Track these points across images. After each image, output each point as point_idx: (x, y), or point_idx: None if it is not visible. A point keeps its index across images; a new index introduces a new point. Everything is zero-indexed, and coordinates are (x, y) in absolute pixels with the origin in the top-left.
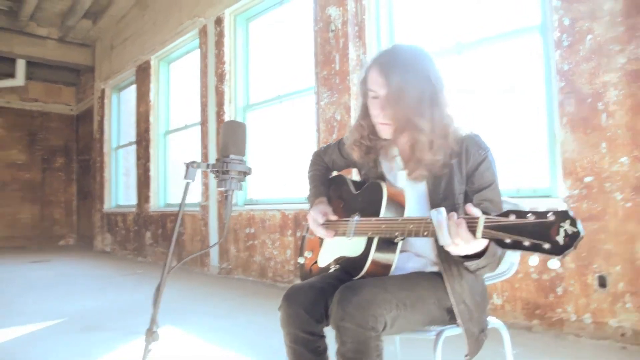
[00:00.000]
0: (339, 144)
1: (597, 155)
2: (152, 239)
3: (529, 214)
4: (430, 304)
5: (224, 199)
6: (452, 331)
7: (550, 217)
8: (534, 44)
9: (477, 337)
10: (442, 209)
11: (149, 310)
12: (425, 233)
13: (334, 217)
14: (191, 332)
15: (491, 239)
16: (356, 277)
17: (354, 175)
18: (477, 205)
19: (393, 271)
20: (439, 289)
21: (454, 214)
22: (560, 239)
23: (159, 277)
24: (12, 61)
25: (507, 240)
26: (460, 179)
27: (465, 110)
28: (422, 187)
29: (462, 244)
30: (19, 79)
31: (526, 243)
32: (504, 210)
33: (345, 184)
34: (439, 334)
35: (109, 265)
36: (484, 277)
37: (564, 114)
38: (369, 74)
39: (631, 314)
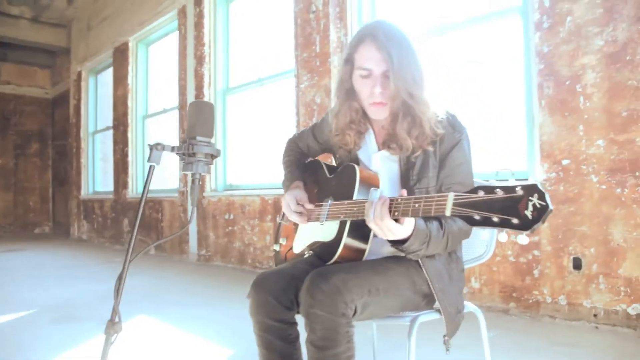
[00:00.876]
0: (314, 128)
1: (574, 138)
2: (129, 227)
3: (498, 189)
4: (404, 289)
5: (192, 184)
6: (427, 316)
7: (519, 192)
8: (514, 26)
9: (454, 317)
10: (379, 190)
11: (125, 299)
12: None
13: (309, 206)
14: (167, 322)
15: (460, 217)
16: (329, 262)
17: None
18: (447, 190)
19: (367, 256)
20: (413, 273)
21: (384, 196)
22: (528, 213)
23: (136, 265)
24: None
25: (477, 217)
26: (434, 162)
27: (443, 92)
28: (395, 170)
29: (382, 225)
30: None
31: (495, 219)
32: None
33: (320, 168)
34: (413, 320)
35: (85, 254)
36: (462, 260)
37: (543, 97)
38: (360, 50)
39: (604, 295)
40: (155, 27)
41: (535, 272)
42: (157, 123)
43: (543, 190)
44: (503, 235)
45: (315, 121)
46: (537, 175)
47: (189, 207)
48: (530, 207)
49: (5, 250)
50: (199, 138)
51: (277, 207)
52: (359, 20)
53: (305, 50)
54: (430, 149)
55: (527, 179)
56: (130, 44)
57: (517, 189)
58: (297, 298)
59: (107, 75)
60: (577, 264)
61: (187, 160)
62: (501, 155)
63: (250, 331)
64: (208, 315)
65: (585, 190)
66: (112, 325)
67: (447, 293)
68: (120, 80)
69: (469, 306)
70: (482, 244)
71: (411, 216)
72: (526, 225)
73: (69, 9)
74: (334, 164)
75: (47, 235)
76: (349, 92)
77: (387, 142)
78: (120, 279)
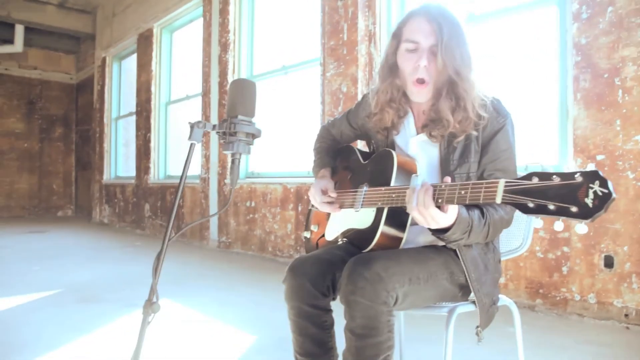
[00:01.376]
0: (348, 114)
1: (610, 133)
2: (150, 211)
3: (554, 176)
4: (442, 279)
5: (232, 163)
6: (464, 307)
7: (578, 179)
8: (549, 16)
9: (489, 309)
10: (420, 176)
11: (147, 283)
12: (402, 202)
13: (334, 194)
14: (189, 306)
15: (512, 204)
16: (365, 250)
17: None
18: (488, 177)
19: (403, 244)
20: (451, 264)
21: (427, 183)
22: (589, 201)
23: (157, 249)
24: (10, 26)
25: (530, 205)
26: (476, 147)
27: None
28: (434, 155)
29: (425, 213)
30: (17, 46)
31: (551, 207)
32: None
33: (353, 154)
34: (451, 311)
35: (107, 237)
36: (499, 251)
37: (578, 90)
38: (410, 23)
39: (636, 295)
40: (179, 14)
41: (564, 268)
42: (180, 109)
43: (605, 177)
44: (559, 223)
45: (341, 110)
46: (570, 169)
47: (211, 195)
48: (591, 195)
49: (29, 232)
50: (240, 117)
51: (299, 195)
52: (388, 9)
53: (332, 38)
54: (474, 132)
55: None
56: (154, 31)
57: (575, 175)
58: (333, 284)
59: (131, 62)
60: (609, 262)
61: (227, 140)
62: (531, 149)
63: (273, 318)
64: (231, 301)
65: (620, 186)
66: (150, 304)
67: (482, 283)
68: (143, 67)
69: (504, 299)
70: (517, 237)
71: (456, 203)
72: (586, 213)
73: None
74: (367, 150)
75: (69, 219)
76: (392, 69)
77: (428, 128)
78: (158, 259)
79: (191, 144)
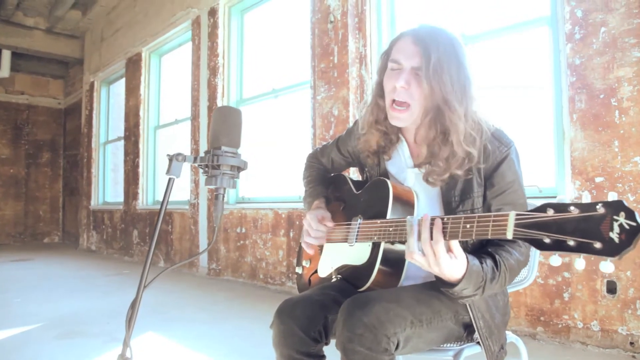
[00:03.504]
0: (338, 141)
1: (609, 154)
2: (139, 238)
3: (572, 207)
4: (447, 320)
5: (215, 198)
6: (471, 350)
7: (600, 210)
8: (541, 37)
9: (497, 354)
10: (420, 215)
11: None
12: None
13: (331, 224)
14: (175, 339)
15: (525, 239)
16: (361, 289)
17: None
18: (496, 212)
19: (402, 281)
20: (457, 302)
21: (427, 218)
22: (614, 235)
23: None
24: None
25: (547, 241)
26: (479, 180)
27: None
28: (434, 190)
29: (432, 257)
30: (4, 71)
31: (571, 242)
32: None
33: (346, 184)
34: (457, 355)
35: (94, 265)
36: (507, 289)
37: (574, 111)
38: (398, 42)
39: None
40: (168, 38)
41: (566, 295)
42: (169, 134)
43: (632, 209)
44: (580, 261)
45: (332, 133)
46: (568, 192)
47: (201, 221)
48: (617, 229)
49: (14, 260)
50: (224, 148)
51: (290, 221)
52: (379, 31)
53: (322, 60)
54: (458, 172)
55: (555, 197)
56: (143, 55)
57: (597, 206)
58: (325, 329)
59: (120, 86)
60: (612, 288)
61: (210, 173)
62: (527, 171)
63: (262, 352)
64: (218, 333)
65: None
66: None
67: (491, 330)
68: (132, 91)
69: (510, 336)
70: (523, 269)
71: (461, 238)
72: (613, 250)
73: (83, 20)
74: (360, 179)
75: (57, 245)
76: (378, 88)
77: (425, 173)
78: (133, 308)
79: (169, 179)
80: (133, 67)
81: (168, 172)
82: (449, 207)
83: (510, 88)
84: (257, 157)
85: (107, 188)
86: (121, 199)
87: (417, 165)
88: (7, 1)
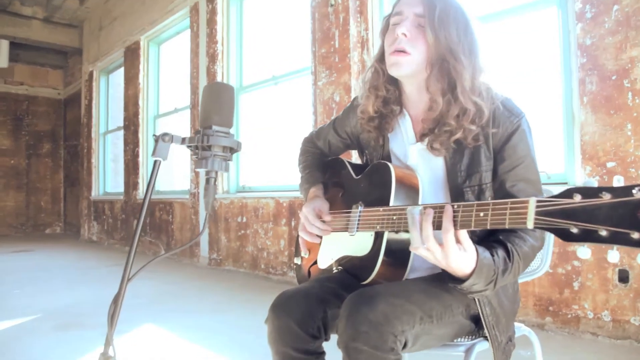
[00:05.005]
0: (335, 122)
1: (621, 138)
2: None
3: (603, 192)
4: (458, 314)
5: (205, 182)
6: (483, 345)
7: (637, 194)
8: (550, 17)
9: (504, 346)
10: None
11: (131, 305)
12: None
13: (328, 217)
14: (175, 332)
15: (549, 229)
16: (364, 282)
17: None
18: (510, 188)
19: (408, 273)
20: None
21: (430, 210)
22: None
23: (144, 268)
24: None
25: (574, 231)
26: (487, 153)
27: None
28: (439, 165)
29: (438, 251)
30: (3, 61)
31: (602, 233)
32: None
33: (344, 168)
34: (469, 350)
35: (94, 256)
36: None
37: (585, 93)
38: (400, 0)
39: None
40: (166, 26)
41: (575, 284)
42: (169, 123)
43: None
44: (614, 253)
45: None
46: (578, 178)
47: (201, 211)
48: None
49: (15, 251)
50: (215, 128)
51: (292, 210)
52: (380, 14)
53: (323, 45)
54: (472, 127)
55: (566, 183)
56: (141, 43)
57: (633, 190)
58: (324, 324)
59: (119, 76)
60: (623, 277)
61: (200, 155)
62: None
63: (263, 343)
64: (218, 325)
65: None
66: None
67: (499, 319)
68: (131, 80)
69: (522, 328)
70: (536, 257)
71: (474, 228)
72: None
73: (81, 9)
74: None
75: (58, 236)
76: (379, 52)
77: (429, 139)
78: (115, 303)
79: (155, 161)
80: (132, 56)
81: (154, 154)
82: (454, 183)
83: (518, 71)
84: (257, 145)
85: (107, 178)
86: (122, 189)
87: (420, 139)
88: None
